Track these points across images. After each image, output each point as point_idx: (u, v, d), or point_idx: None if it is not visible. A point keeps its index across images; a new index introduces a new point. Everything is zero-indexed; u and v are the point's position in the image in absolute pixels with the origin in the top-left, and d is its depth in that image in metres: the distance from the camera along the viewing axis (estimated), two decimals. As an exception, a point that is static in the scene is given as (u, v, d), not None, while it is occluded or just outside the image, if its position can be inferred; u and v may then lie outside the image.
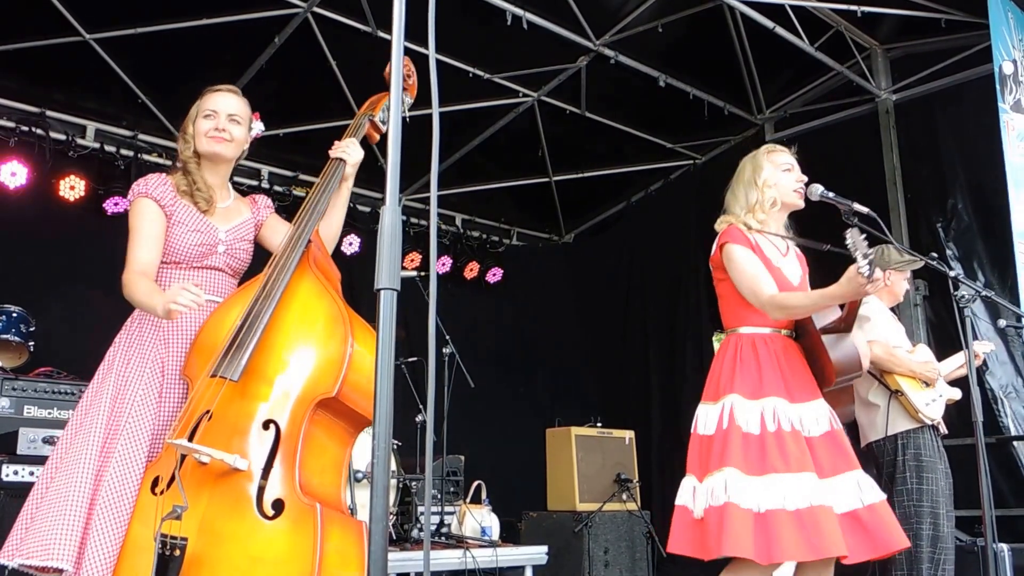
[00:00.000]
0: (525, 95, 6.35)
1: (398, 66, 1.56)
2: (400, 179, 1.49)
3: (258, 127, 2.67)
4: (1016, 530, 4.64)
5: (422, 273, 4.55)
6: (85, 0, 5.01)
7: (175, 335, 2.41)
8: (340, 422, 2.29)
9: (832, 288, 2.56)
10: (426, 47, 1.55)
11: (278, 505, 2.05)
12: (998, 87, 4.98)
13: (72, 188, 5.51)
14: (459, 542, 4.51)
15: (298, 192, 6.40)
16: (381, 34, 5.31)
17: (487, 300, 7.58)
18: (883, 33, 6.10)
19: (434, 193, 1.64)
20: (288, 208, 5.91)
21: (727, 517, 2.49)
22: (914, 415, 3.58)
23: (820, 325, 2.73)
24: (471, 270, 7.50)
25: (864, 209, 2.68)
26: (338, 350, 2.21)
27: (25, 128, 5.43)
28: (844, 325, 2.69)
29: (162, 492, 2.12)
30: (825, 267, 2.92)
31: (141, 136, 5.95)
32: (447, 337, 5.05)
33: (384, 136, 2.65)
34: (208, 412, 2.17)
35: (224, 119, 2.54)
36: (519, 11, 5.28)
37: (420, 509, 4.60)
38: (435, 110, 1.57)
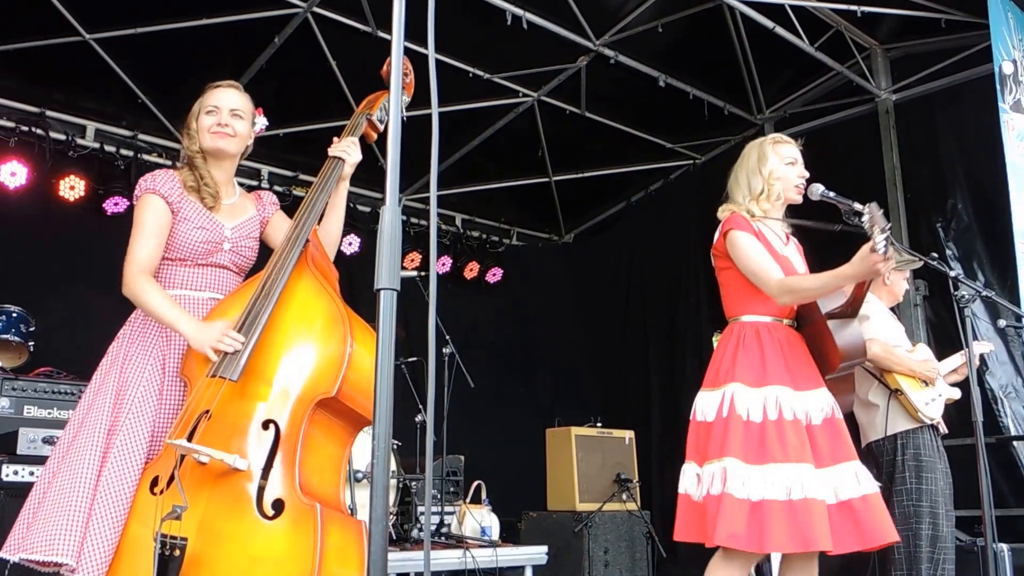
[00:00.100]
0: (525, 95, 6.35)
1: (398, 66, 1.56)
2: (400, 179, 1.49)
3: (261, 122, 2.67)
4: (1016, 530, 4.64)
5: (422, 273, 4.55)
6: (85, 0, 5.01)
7: (177, 333, 2.41)
8: (339, 422, 2.28)
9: (844, 268, 2.53)
10: (426, 47, 1.55)
11: (278, 505, 2.04)
12: (998, 87, 4.97)
13: (72, 188, 5.52)
14: (459, 542, 4.51)
15: (298, 192, 6.40)
16: (381, 34, 5.31)
17: (487, 300, 7.58)
18: (883, 33, 6.10)
19: (434, 193, 1.64)
20: (288, 208, 5.89)
21: (723, 507, 2.50)
22: (914, 415, 3.58)
23: (826, 310, 2.71)
24: (471, 270, 7.50)
25: (864, 209, 2.67)
26: (337, 350, 2.21)
27: (25, 128, 5.43)
28: (851, 310, 2.68)
29: (161, 492, 2.12)
30: (823, 262, 2.90)
31: (141, 136, 5.95)
32: (447, 337, 5.05)
33: (384, 136, 2.64)
34: (207, 412, 2.17)
35: (226, 114, 2.54)
36: (519, 11, 5.28)
37: (420, 509, 4.60)
38: (435, 110, 1.57)
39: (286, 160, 6.43)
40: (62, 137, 5.62)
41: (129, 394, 2.31)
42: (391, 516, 4.48)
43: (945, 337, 5.31)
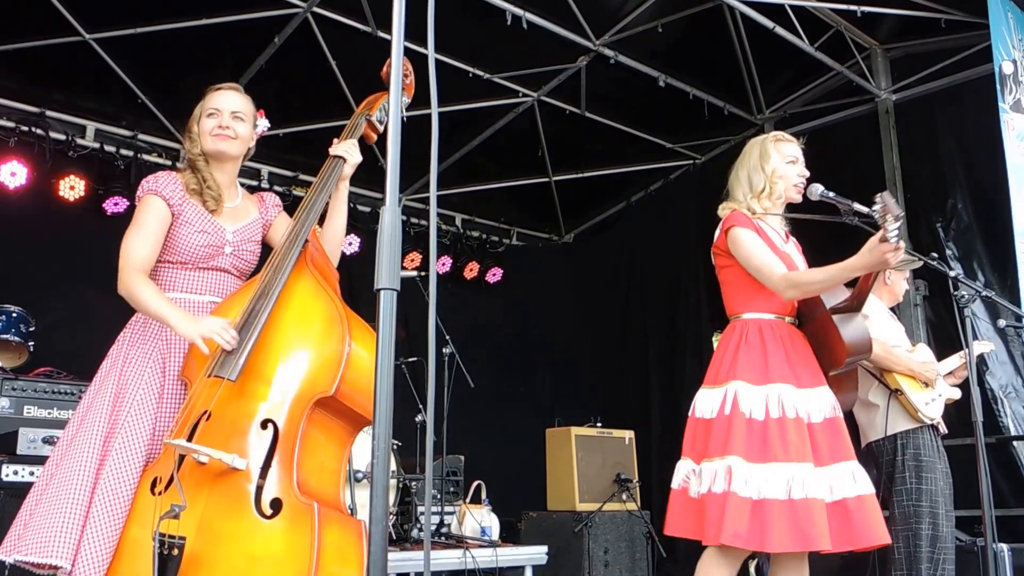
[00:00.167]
0: (525, 95, 6.35)
1: (398, 66, 1.56)
2: (400, 179, 1.49)
3: (263, 124, 2.66)
4: (1016, 530, 4.64)
5: (422, 273, 4.54)
6: (85, 0, 5.01)
7: (177, 335, 2.41)
8: (339, 421, 2.29)
9: (852, 260, 2.51)
10: (426, 47, 1.55)
11: (276, 504, 2.05)
12: (998, 87, 4.97)
13: (72, 188, 5.52)
14: (459, 542, 4.51)
15: (298, 192, 6.40)
16: (381, 34, 5.31)
17: (487, 300, 7.58)
18: (883, 33, 6.10)
19: (434, 193, 1.64)
20: (288, 209, 5.90)
21: (728, 506, 2.49)
22: (913, 415, 3.58)
23: (830, 305, 2.71)
24: (471, 270, 7.50)
25: (864, 209, 2.66)
26: (335, 349, 2.21)
27: (25, 128, 5.43)
28: (856, 303, 2.67)
29: (161, 493, 2.12)
30: (821, 259, 2.90)
31: (141, 136, 5.95)
32: (447, 337, 5.05)
33: (384, 136, 2.64)
34: (207, 412, 2.18)
35: (227, 116, 2.54)
36: (519, 11, 5.28)
37: (420, 509, 4.60)
38: (434, 110, 1.57)
39: (286, 160, 6.43)
40: (62, 137, 5.62)
41: (128, 396, 2.30)
42: (391, 516, 4.48)
43: (945, 337, 5.31)
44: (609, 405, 6.83)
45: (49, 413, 4.06)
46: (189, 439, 2.13)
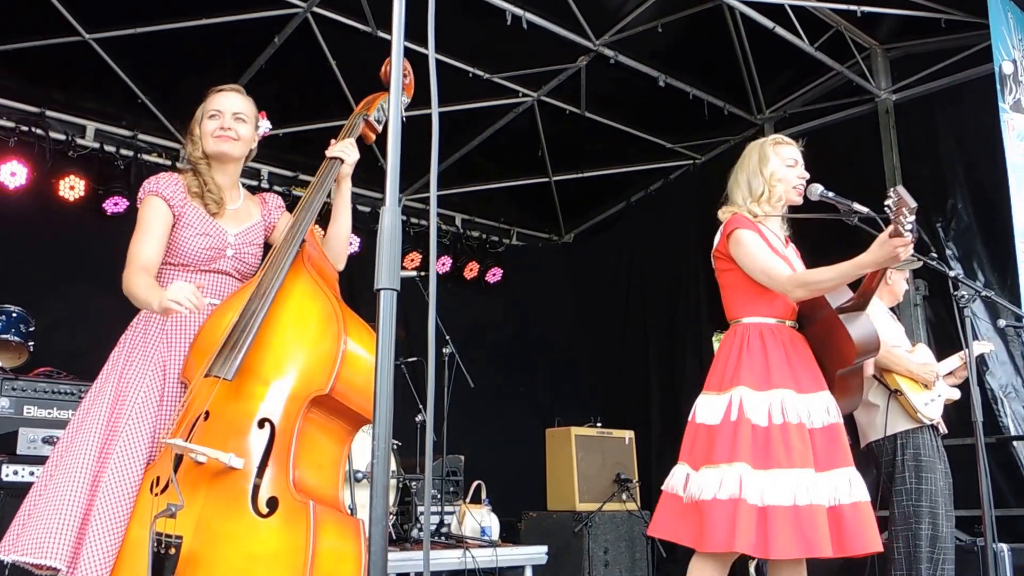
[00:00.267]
0: (525, 95, 6.35)
1: (398, 66, 1.56)
2: (400, 179, 1.49)
3: (265, 125, 2.66)
4: (1016, 530, 4.64)
5: (422, 273, 4.55)
6: (85, 0, 5.01)
7: (178, 336, 2.41)
8: (337, 420, 2.29)
9: (863, 256, 2.49)
10: (426, 47, 1.55)
11: (272, 503, 2.05)
12: (998, 87, 4.97)
13: (72, 188, 5.52)
14: (459, 542, 4.51)
15: (298, 192, 6.40)
16: (381, 34, 5.31)
17: (487, 300, 7.58)
18: (883, 33, 6.10)
19: (434, 193, 1.64)
20: (288, 209, 5.91)
21: (739, 513, 2.47)
22: (913, 415, 3.59)
23: (835, 305, 2.70)
24: (471, 270, 7.50)
25: (864, 209, 2.66)
26: (331, 348, 2.21)
27: (25, 128, 5.43)
28: (861, 301, 2.67)
29: (160, 492, 2.12)
30: (820, 262, 2.90)
31: (141, 136, 5.95)
32: (447, 337, 5.05)
33: (384, 136, 2.64)
34: (205, 412, 2.18)
35: (229, 118, 2.53)
36: (519, 11, 5.28)
37: (420, 509, 4.60)
38: (435, 110, 1.57)
39: (286, 160, 6.43)
40: (62, 137, 5.61)
41: (130, 398, 2.31)
42: (391, 516, 4.48)
43: (945, 337, 5.31)
44: (609, 405, 6.83)
45: (49, 413, 4.06)
46: (187, 439, 2.13)
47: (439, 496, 5.15)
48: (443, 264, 7.35)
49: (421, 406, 5.00)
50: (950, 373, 3.89)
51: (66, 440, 2.31)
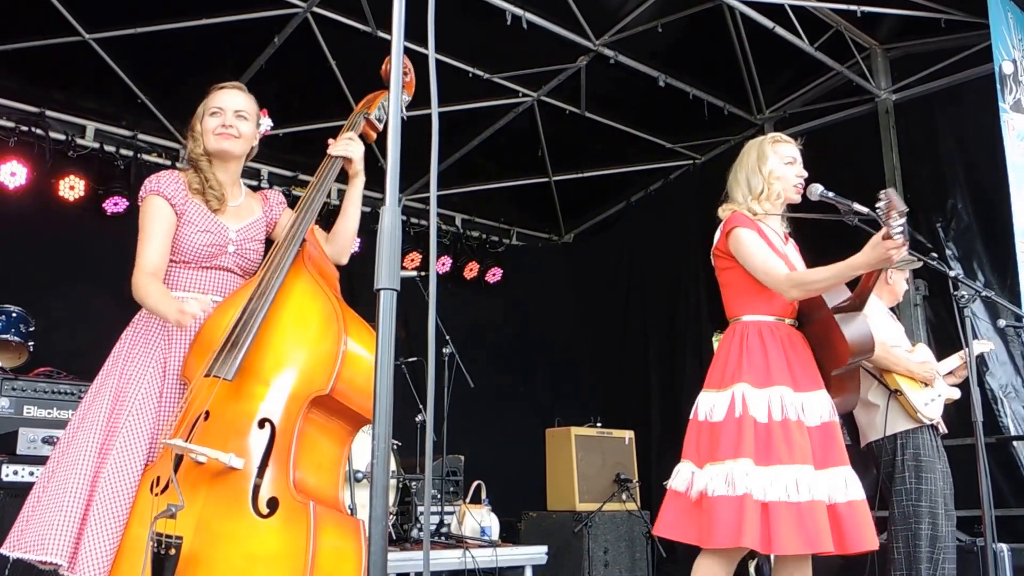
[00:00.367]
0: (525, 95, 6.35)
1: (398, 66, 1.56)
2: (400, 179, 1.49)
3: (266, 123, 2.66)
4: (1016, 530, 4.64)
5: (422, 273, 4.55)
6: (85, 0, 5.01)
7: (179, 335, 2.41)
8: (337, 421, 2.28)
9: (855, 258, 2.51)
10: (426, 47, 1.55)
11: (272, 503, 2.05)
12: (998, 87, 4.97)
13: (72, 188, 5.52)
14: (459, 542, 4.51)
15: (297, 192, 6.39)
16: (381, 34, 5.31)
17: (487, 300, 7.58)
18: (883, 33, 6.10)
19: (434, 193, 1.64)
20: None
21: (746, 509, 2.48)
22: (913, 415, 3.58)
23: (832, 305, 2.71)
24: (471, 270, 7.50)
25: (864, 209, 2.66)
26: (331, 348, 2.21)
27: (25, 128, 5.43)
28: (858, 302, 2.67)
29: (160, 492, 2.12)
30: (821, 260, 2.90)
31: (141, 136, 5.95)
32: (447, 337, 5.05)
33: (384, 136, 2.64)
34: (205, 412, 2.18)
35: (231, 115, 2.53)
36: (519, 11, 5.28)
37: (420, 509, 4.60)
38: (435, 110, 1.57)
39: (286, 160, 6.43)
40: (62, 137, 5.62)
41: (130, 396, 2.31)
42: (391, 516, 4.48)
43: (945, 337, 5.31)
44: (609, 405, 6.83)
45: (49, 413, 4.06)
46: (188, 439, 2.13)
47: (439, 496, 5.15)
48: (443, 264, 7.36)
49: (421, 406, 5.00)
50: (950, 373, 3.89)
51: (67, 437, 2.32)
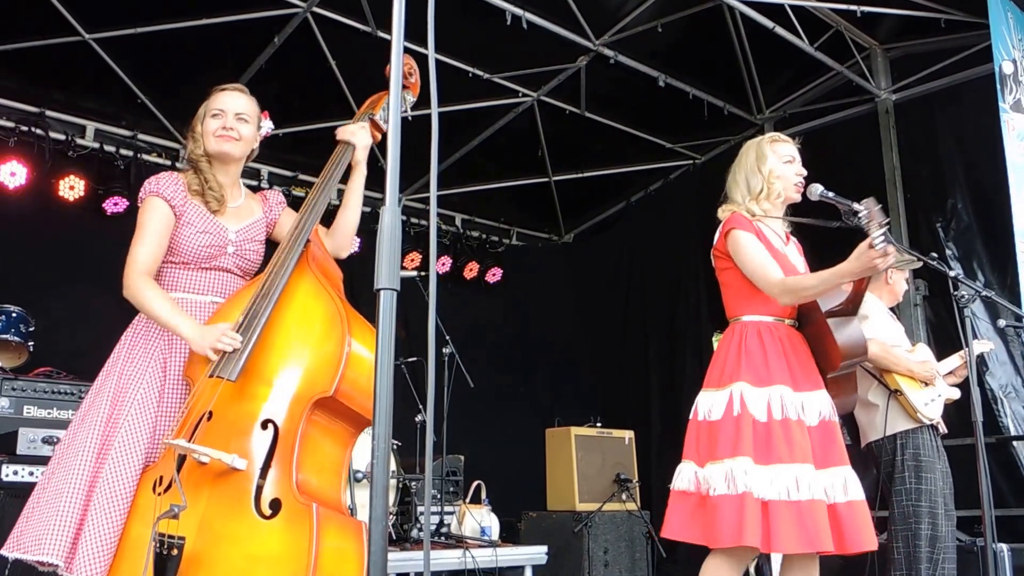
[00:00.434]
0: (525, 95, 6.35)
1: (398, 66, 1.56)
2: (400, 179, 1.49)
3: (267, 126, 2.66)
4: (1016, 530, 4.64)
5: (422, 273, 4.54)
6: (85, 0, 5.01)
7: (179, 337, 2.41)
8: (340, 422, 2.28)
9: (841, 266, 2.52)
10: (426, 47, 1.55)
11: (275, 504, 2.05)
12: (998, 87, 4.98)
13: (72, 188, 5.51)
14: (459, 542, 4.51)
15: (297, 192, 6.39)
16: (381, 34, 5.31)
17: (487, 300, 7.58)
18: (883, 33, 6.10)
19: (434, 193, 1.64)
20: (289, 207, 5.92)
21: (746, 507, 2.48)
22: (913, 415, 3.59)
23: (825, 309, 2.71)
24: (471, 270, 7.50)
25: (861, 205, 2.67)
26: (335, 349, 2.21)
27: (25, 128, 5.43)
28: (851, 307, 2.68)
29: (163, 492, 2.13)
30: (823, 260, 2.90)
31: (141, 136, 5.95)
32: (447, 337, 5.05)
33: (384, 136, 2.64)
34: (208, 412, 2.18)
35: (231, 118, 2.53)
36: (519, 11, 5.28)
37: (420, 509, 4.60)
38: (434, 110, 1.57)
39: (286, 160, 6.43)
40: (62, 137, 5.61)
41: (129, 397, 2.31)
42: (391, 516, 4.48)
43: (945, 337, 5.31)
44: (609, 405, 6.83)
45: (49, 413, 4.06)
46: (191, 439, 2.13)
47: (439, 496, 5.15)
48: (443, 264, 7.35)
49: (421, 406, 4.99)
50: (950, 372, 3.89)
51: (67, 438, 2.32)
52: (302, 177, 6.50)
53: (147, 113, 5.83)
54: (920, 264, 3.66)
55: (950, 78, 5.78)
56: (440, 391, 5.10)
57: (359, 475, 4.16)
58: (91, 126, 5.82)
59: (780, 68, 6.30)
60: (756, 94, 6.55)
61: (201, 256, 2.47)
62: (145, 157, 5.90)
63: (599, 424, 5.80)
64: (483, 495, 5.19)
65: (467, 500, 5.19)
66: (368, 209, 6.89)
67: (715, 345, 2.92)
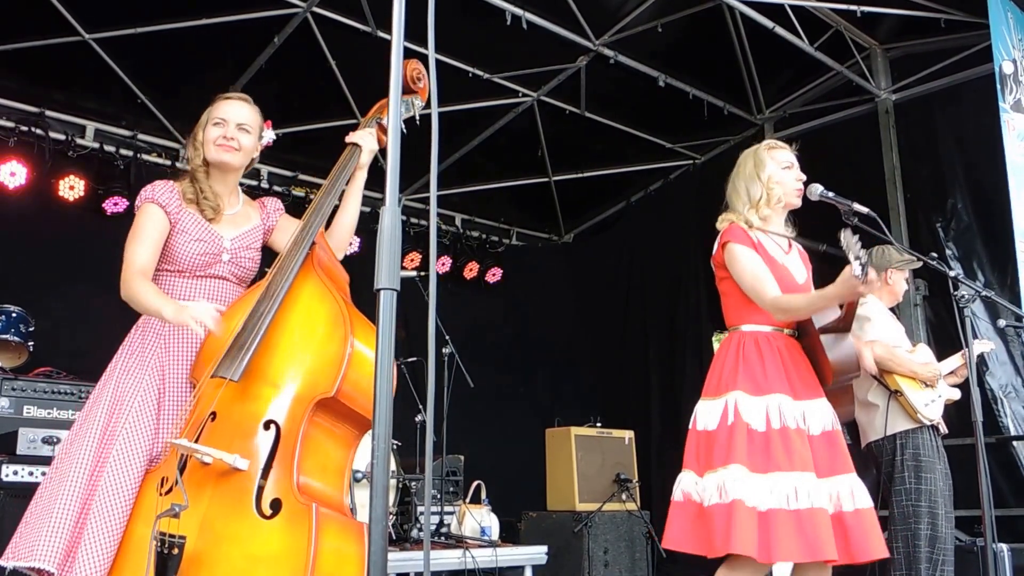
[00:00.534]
0: (525, 95, 6.35)
1: (397, 66, 1.56)
2: (400, 179, 1.49)
3: (269, 136, 2.65)
4: (1016, 530, 4.64)
5: (422, 273, 4.55)
6: (85, 0, 5.01)
7: (176, 341, 2.41)
8: (343, 423, 2.28)
9: (828, 289, 2.55)
10: (426, 47, 1.55)
11: (276, 505, 2.05)
12: (998, 87, 4.98)
13: (72, 188, 5.52)
14: (459, 542, 4.51)
15: (297, 192, 6.38)
16: (381, 34, 5.31)
17: (487, 300, 7.58)
18: (883, 33, 6.10)
19: (434, 193, 1.64)
20: (287, 209, 5.91)
21: (735, 514, 2.47)
22: (913, 415, 3.59)
23: (819, 325, 2.72)
24: (471, 270, 7.50)
25: (864, 209, 2.67)
26: (337, 350, 2.21)
27: (25, 128, 5.43)
28: (843, 324, 2.69)
29: (166, 492, 2.13)
30: (827, 264, 2.91)
31: (140, 136, 5.95)
32: (447, 337, 5.05)
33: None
34: (212, 413, 2.18)
35: (233, 128, 2.53)
36: (519, 11, 5.28)
37: (420, 509, 4.60)
38: (434, 110, 1.57)
39: (286, 160, 6.42)
40: (62, 137, 5.61)
41: (127, 404, 2.31)
42: (391, 516, 4.48)
43: (945, 337, 5.31)
44: (609, 405, 6.83)
45: (49, 413, 4.07)
46: (195, 439, 2.13)
47: (439, 496, 5.15)
48: (443, 264, 7.35)
49: (421, 406, 4.99)
50: (951, 373, 3.89)
51: (65, 446, 2.32)
52: (302, 177, 6.49)
53: (147, 113, 5.83)
54: (920, 264, 3.66)
55: (950, 78, 5.78)
56: (440, 391, 5.10)
57: (359, 475, 4.16)
58: (91, 126, 5.82)
59: (780, 68, 6.30)
60: (756, 94, 6.55)
61: (196, 264, 2.47)
62: (145, 157, 5.91)
63: (599, 424, 5.80)
64: (483, 495, 5.20)
65: (467, 500, 5.19)
66: (368, 209, 6.91)
67: (715, 345, 2.92)
